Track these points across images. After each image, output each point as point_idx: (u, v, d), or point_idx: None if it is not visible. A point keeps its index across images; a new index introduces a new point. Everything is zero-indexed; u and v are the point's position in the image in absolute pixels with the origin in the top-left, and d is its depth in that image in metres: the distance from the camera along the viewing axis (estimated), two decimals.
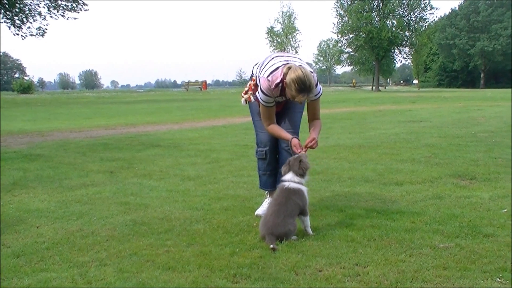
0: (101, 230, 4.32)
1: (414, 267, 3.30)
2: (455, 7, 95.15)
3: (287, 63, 4.33)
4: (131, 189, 5.95)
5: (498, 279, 3.09)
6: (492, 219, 4.36)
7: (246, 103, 4.87)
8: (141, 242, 3.98)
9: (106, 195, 5.65)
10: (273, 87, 4.31)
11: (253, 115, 4.87)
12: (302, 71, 4.12)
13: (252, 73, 4.75)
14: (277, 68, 4.34)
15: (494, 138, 9.95)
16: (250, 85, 4.75)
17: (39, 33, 41.88)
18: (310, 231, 4.08)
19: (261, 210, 4.75)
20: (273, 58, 4.50)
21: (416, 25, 69.38)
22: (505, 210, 4.64)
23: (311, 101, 4.51)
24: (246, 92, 4.81)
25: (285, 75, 4.22)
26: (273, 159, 4.87)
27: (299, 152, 4.28)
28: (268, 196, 4.93)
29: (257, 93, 4.47)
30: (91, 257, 3.64)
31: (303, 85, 4.13)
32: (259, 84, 4.40)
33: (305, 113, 4.71)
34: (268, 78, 4.32)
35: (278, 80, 4.28)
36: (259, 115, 4.72)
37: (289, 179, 4.11)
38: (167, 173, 6.97)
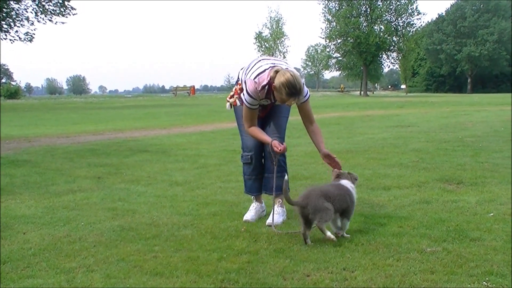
0: (88, 236, 4.30)
1: (401, 271, 3.31)
2: (442, 13, 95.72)
3: (274, 66, 4.35)
4: (119, 194, 5.93)
5: (484, 282, 3.11)
6: (479, 223, 4.38)
7: (231, 107, 4.88)
8: (129, 247, 3.96)
9: (94, 201, 5.62)
10: (259, 88, 4.33)
11: (239, 120, 4.85)
12: (291, 74, 4.14)
13: (238, 77, 4.76)
14: (264, 70, 4.37)
15: (480, 143, 10.01)
16: (236, 89, 4.76)
17: (27, 38, 41.66)
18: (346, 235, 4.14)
19: (249, 215, 4.75)
20: (260, 61, 4.53)
21: (403, 31, 69.89)
22: (492, 214, 4.66)
23: (302, 104, 4.52)
24: (232, 97, 4.83)
25: (272, 78, 4.24)
26: (259, 164, 4.88)
27: (280, 150, 4.37)
28: (255, 200, 4.93)
29: (241, 95, 4.48)
30: (78, 263, 3.61)
31: (294, 89, 4.15)
32: (245, 86, 4.40)
33: (297, 117, 4.73)
34: (255, 80, 4.34)
35: (265, 82, 4.30)
36: None
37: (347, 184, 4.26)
38: (155, 178, 6.95)
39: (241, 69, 4.79)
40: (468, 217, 4.59)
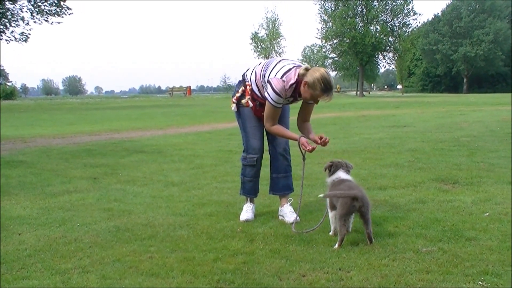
0: (84, 236, 4.29)
1: (397, 271, 3.32)
2: (438, 13, 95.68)
3: (299, 66, 4.39)
4: (115, 195, 5.92)
5: (480, 282, 3.11)
6: (474, 223, 4.39)
7: (238, 109, 4.82)
8: (124, 248, 3.96)
9: (89, 202, 5.61)
10: (287, 87, 4.33)
11: (246, 121, 4.82)
12: (324, 71, 4.23)
13: (245, 78, 4.72)
14: (289, 69, 4.37)
15: (476, 143, 10.03)
16: (246, 90, 4.69)
17: (22, 38, 41.49)
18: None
19: (248, 215, 4.75)
20: (280, 61, 4.53)
21: (399, 31, 70.03)
22: (487, 214, 4.67)
23: (309, 104, 4.56)
24: (238, 98, 4.76)
25: (301, 76, 4.27)
26: (260, 166, 4.90)
27: (308, 149, 4.36)
28: (249, 201, 4.93)
29: (266, 94, 4.43)
30: (73, 264, 3.61)
31: (329, 84, 4.20)
32: (270, 85, 4.36)
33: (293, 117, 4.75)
34: (283, 78, 4.33)
35: (293, 81, 4.31)
36: (254, 121, 4.74)
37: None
38: (150, 179, 6.95)
39: (247, 70, 4.78)
40: (463, 217, 4.60)
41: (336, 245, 3.86)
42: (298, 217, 4.63)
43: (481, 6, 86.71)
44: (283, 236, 4.15)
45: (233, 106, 4.83)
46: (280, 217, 4.77)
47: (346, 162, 4.42)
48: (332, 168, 4.35)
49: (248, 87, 4.67)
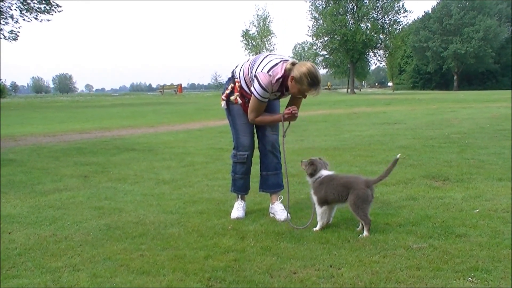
0: (74, 235, 4.28)
1: (388, 268, 3.33)
2: (428, 10, 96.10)
3: (286, 60, 4.38)
4: (105, 193, 5.90)
5: (470, 278, 3.13)
6: (464, 219, 4.41)
7: (228, 106, 4.82)
8: (115, 246, 3.94)
9: (80, 200, 5.59)
10: (274, 81, 4.33)
11: (235, 118, 4.81)
12: (311, 65, 4.22)
13: (234, 75, 4.71)
14: (276, 64, 4.37)
15: (466, 140, 10.08)
16: (235, 87, 4.69)
17: (12, 36, 41.09)
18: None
19: (239, 213, 4.75)
20: (267, 56, 4.54)
21: (390, 28, 70.21)
22: (477, 210, 4.69)
23: (297, 98, 4.57)
24: (227, 95, 4.75)
25: (288, 70, 4.28)
26: (251, 164, 4.90)
27: (291, 111, 4.43)
28: (240, 199, 4.92)
29: (252, 88, 4.43)
30: (64, 263, 3.59)
31: (316, 79, 4.21)
32: (256, 80, 4.36)
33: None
34: (269, 73, 4.33)
35: (279, 75, 4.31)
36: (244, 118, 4.73)
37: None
38: (141, 177, 6.93)
39: (236, 67, 4.76)
40: (454, 214, 4.62)
41: (366, 233, 4.03)
42: (289, 215, 4.62)
43: (471, 3, 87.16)
44: (274, 234, 4.15)
45: (223, 104, 4.82)
46: (271, 215, 4.78)
47: (323, 160, 4.50)
48: (313, 168, 4.40)
49: (237, 83, 4.66)
